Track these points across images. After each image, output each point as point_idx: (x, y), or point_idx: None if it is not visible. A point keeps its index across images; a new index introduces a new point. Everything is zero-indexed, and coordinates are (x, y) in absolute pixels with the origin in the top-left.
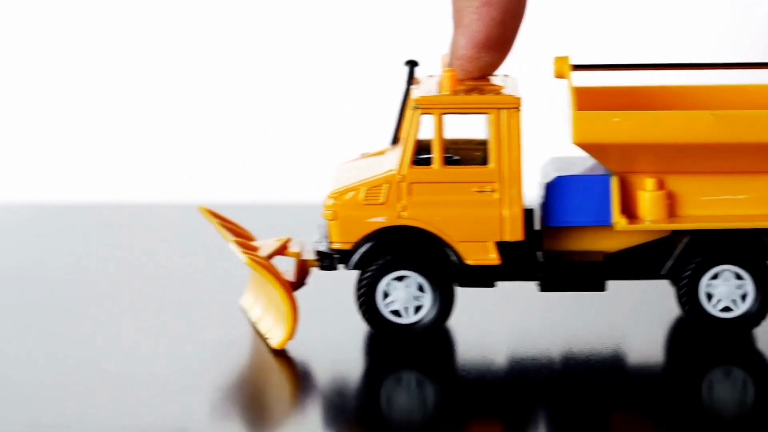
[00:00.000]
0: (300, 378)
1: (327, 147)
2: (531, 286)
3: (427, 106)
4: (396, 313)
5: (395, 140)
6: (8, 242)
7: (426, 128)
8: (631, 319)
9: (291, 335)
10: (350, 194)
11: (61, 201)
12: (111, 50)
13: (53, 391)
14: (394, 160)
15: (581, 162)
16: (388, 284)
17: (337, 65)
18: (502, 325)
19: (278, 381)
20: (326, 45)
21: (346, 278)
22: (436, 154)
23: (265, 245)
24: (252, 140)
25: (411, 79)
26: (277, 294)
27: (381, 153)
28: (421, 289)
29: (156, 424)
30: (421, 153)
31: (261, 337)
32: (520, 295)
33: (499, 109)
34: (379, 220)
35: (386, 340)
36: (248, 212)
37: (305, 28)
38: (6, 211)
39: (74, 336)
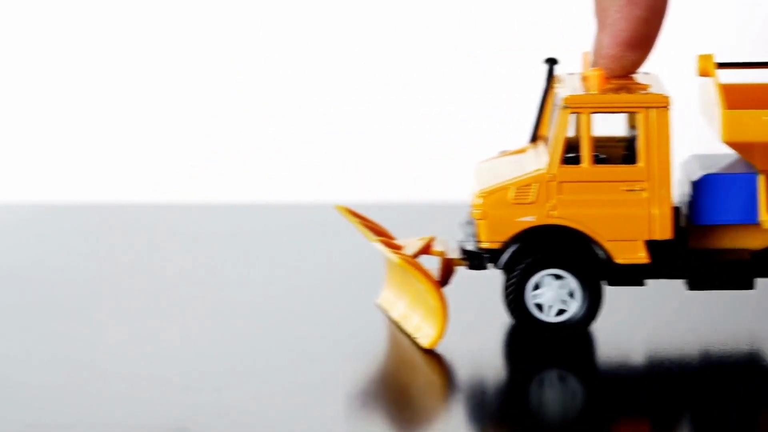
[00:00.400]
0: (444, 377)
1: (327, 147)
2: (666, 285)
3: (576, 106)
4: (545, 311)
5: (534, 138)
6: (8, 242)
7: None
8: None
9: (442, 334)
10: (499, 193)
11: (61, 201)
12: (111, 50)
13: (53, 391)
14: (540, 159)
15: (721, 159)
16: (537, 283)
17: (338, 64)
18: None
19: (423, 380)
20: (326, 44)
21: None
22: (585, 153)
23: (409, 244)
24: (252, 140)
25: (551, 77)
26: (429, 294)
27: (521, 151)
28: (570, 287)
29: (156, 424)
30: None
31: (407, 336)
32: (656, 293)
33: (648, 107)
34: (529, 219)
35: (531, 339)
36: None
37: (306, 27)
38: (6, 211)
39: (73, 336)
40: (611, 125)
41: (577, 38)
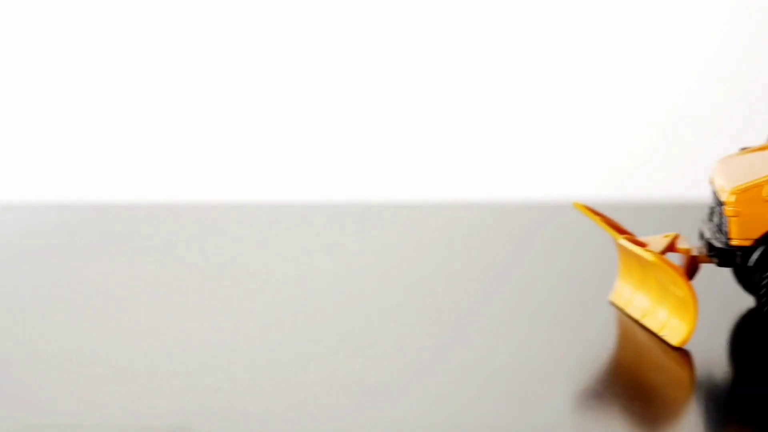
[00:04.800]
0: (688, 374)
1: (332, 147)
2: None
3: None
4: None
5: None
6: (8, 242)
7: None
8: None
9: (692, 332)
10: (753, 191)
11: (61, 201)
12: (111, 51)
13: (53, 391)
14: None
15: None
16: None
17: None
18: None
19: (666, 377)
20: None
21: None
22: None
23: (654, 241)
24: (271, 138)
25: None
26: (682, 291)
27: (764, 148)
28: None
29: (157, 425)
30: None
31: (655, 333)
32: None
33: None
34: None
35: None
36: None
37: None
38: (6, 211)
39: (73, 336)
40: None
41: None
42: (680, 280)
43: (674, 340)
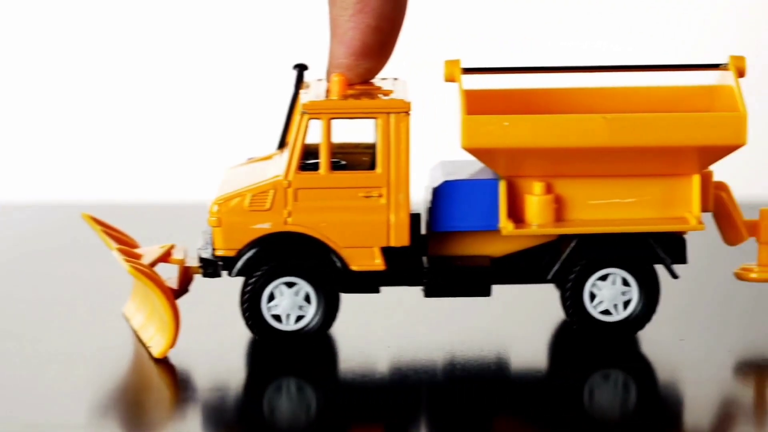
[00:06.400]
0: (180, 385)
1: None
2: (416, 292)
3: (315, 111)
4: (280, 319)
5: (282, 145)
6: (8, 242)
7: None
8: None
9: (172, 344)
10: (235, 200)
11: (62, 201)
12: (112, 54)
13: (53, 391)
14: (280, 166)
15: (470, 166)
16: (272, 291)
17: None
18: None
19: (158, 388)
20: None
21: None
22: (323, 160)
23: (149, 252)
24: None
25: (299, 83)
26: (159, 303)
27: (268, 158)
28: (305, 295)
29: (156, 424)
30: (308, 158)
31: (143, 345)
32: (404, 300)
33: (388, 113)
34: (264, 226)
35: (269, 347)
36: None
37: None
38: (6, 212)
39: (73, 336)
40: (366, 131)
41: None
42: (159, 294)
43: (155, 352)
